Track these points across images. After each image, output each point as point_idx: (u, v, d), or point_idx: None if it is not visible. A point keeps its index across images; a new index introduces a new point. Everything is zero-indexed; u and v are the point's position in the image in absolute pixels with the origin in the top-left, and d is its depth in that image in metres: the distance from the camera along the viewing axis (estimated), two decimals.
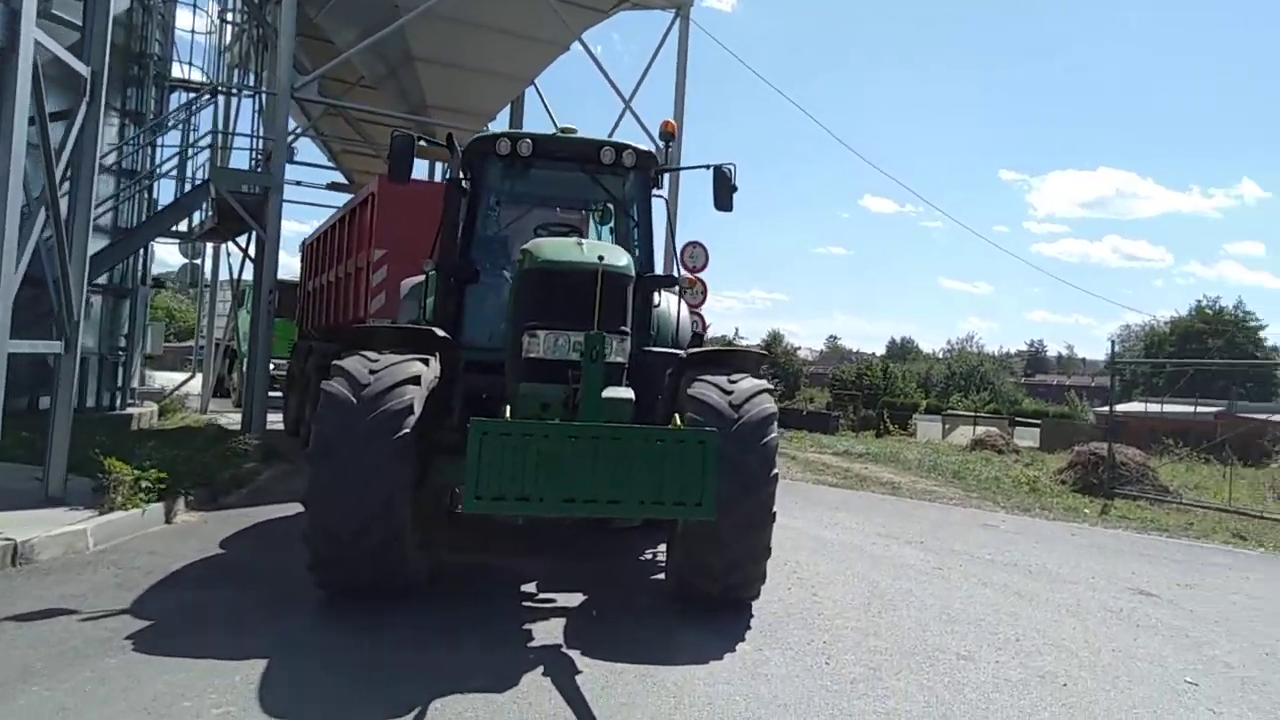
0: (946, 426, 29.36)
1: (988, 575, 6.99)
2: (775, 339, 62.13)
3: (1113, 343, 17.47)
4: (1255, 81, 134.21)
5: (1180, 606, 6.50)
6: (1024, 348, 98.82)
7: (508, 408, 4.94)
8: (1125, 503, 11.91)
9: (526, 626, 4.89)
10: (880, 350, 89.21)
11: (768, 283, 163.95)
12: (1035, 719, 4.16)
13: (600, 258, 5.13)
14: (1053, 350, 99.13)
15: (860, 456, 15.79)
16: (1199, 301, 50.81)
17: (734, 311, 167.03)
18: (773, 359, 44.31)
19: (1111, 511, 11.12)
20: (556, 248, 5.41)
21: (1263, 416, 24.96)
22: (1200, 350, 41.52)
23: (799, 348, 73.51)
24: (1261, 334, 49.28)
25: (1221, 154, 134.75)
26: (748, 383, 5.32)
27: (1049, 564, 7.60)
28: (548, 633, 4.81)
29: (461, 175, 6.47)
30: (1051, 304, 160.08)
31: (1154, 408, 30.14)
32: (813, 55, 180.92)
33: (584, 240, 5.59)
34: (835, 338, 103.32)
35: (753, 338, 61.93)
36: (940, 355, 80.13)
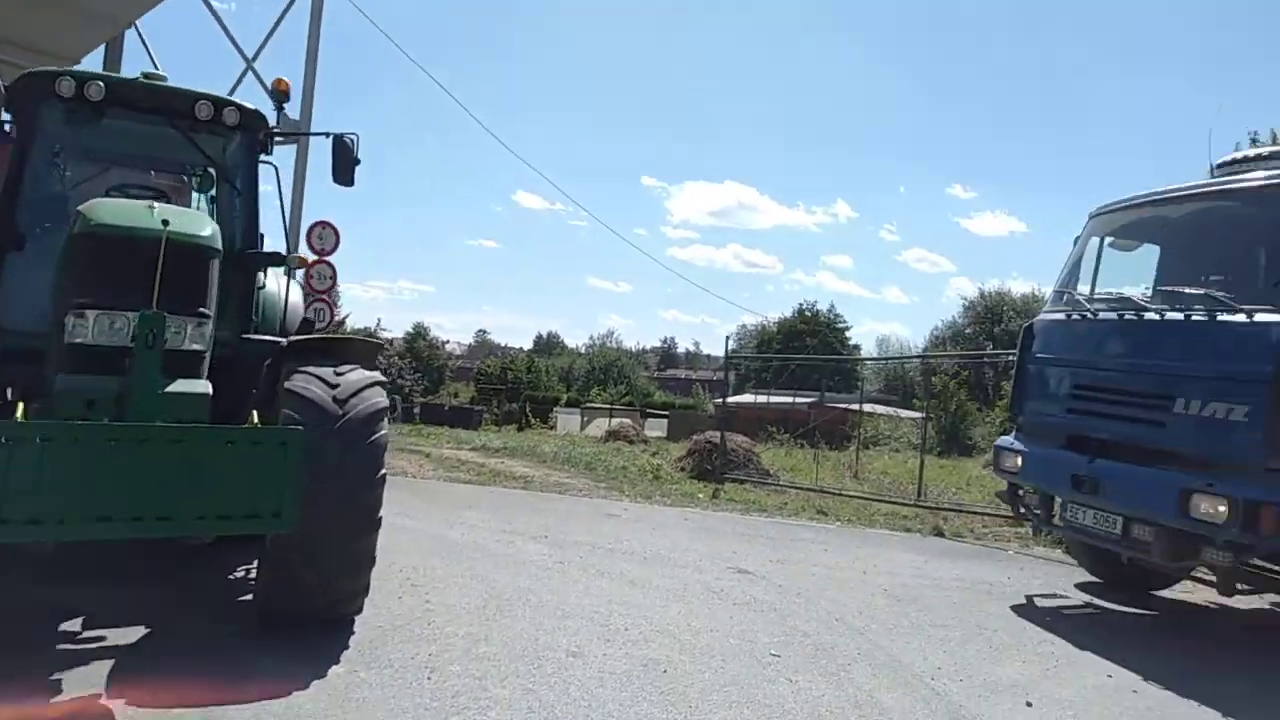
0: (585, 419, 30.58)
1: (606, 565, 7.11)
2: (420, 332, 60.82)
3: (728, 340, 19.19)
4: (844, 114, 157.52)
5: (771, 581, 7.07)
6: (658, 344, 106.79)
7: (24, 407, 3.98)
8: (734, 486, 12.99)
9: (57, 676, 3.97)
10: (528, 344, 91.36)
11: (416, 273, 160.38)
12: (636, 710, 4.16)
13: (166, 222, 4.31)
14: (682, 346, 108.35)
15: (498, 451, 15.72)
16: (800, 305, 58.39)
17: (379, 302, 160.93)
18: (402, 352, 42.94)
19: (722, 495, 12.05)
20: (118, 210, 4.47)
21: (845, 405, 28.87)
22: (800, 348, 47.54)
23: (447, 341, 72.70)
24: (848, 334, 57.75)
25: (821, 177, 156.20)
26: (357, 375, 4.77)
27: (662, 549, 7.94)
28: (85, 681, 3.93)
29: (8, 119, 5.21)
30: (683, 304, 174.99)
31: (762, 399, 34.14)
32: (475, 44, 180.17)
33: (158, 205, 4.69)
34: (484, 332, 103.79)
35: (396, 330, 60.14)
36: (583, 350, 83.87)
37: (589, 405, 37.78)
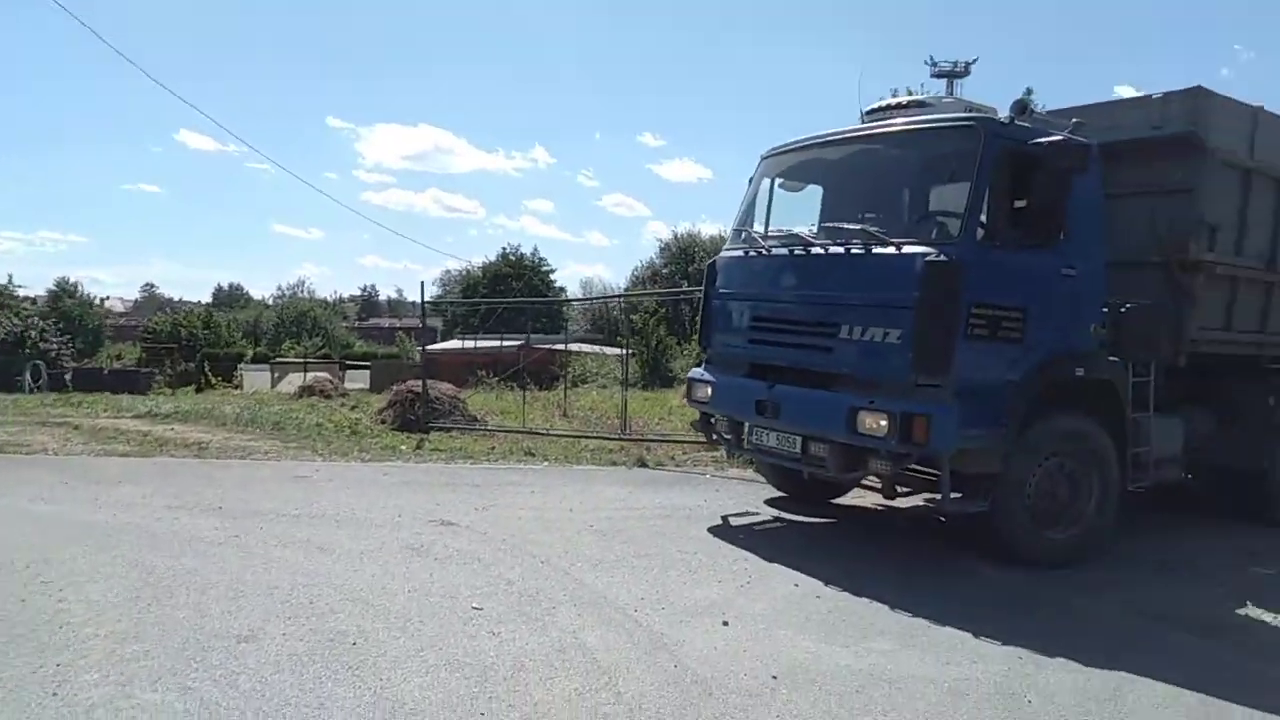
0: (275, 375, 28.29)
1: (291, 533, 6.47)
2: (66, 289, 52.89)
3: (423, 285, 17.74)
4: (540, 58, 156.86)
5: (476, 531, 6.82)
6: (357, 292, 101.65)
7: None
8: (440, 435, 12.53)
9: None
10: (206, 298, 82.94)
11: (60, 222, 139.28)
12: (318, 693, 3.74)
13: None
14: (385, 294, 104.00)
15: (168, 417, 13.96)
16: (504, 249, 57.89)
17: (15, 256, 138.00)
18: (45, 311, 36.98)
19: (426, 446, 11.57)
20: None
21: (552, 346, 29.10)
22: (506, 291, 47.29)
23: (106, 298, 64.09)
24: (552, 276, 58.30)
25: (519, 121, 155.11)
26: None
27: (358, 509, 7.40)
28: None
29: None
30: (383, 250, 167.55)
31: (470, 344, 33.56)
32: None
33: None
34: (152, 286, 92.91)
35: (36, 286, 51.85)
36: (271, 302, 77.63)
37: (280, 360, 35.01)
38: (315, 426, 13.08)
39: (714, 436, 7.62)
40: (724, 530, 7.16)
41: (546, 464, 10.46)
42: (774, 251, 6.92)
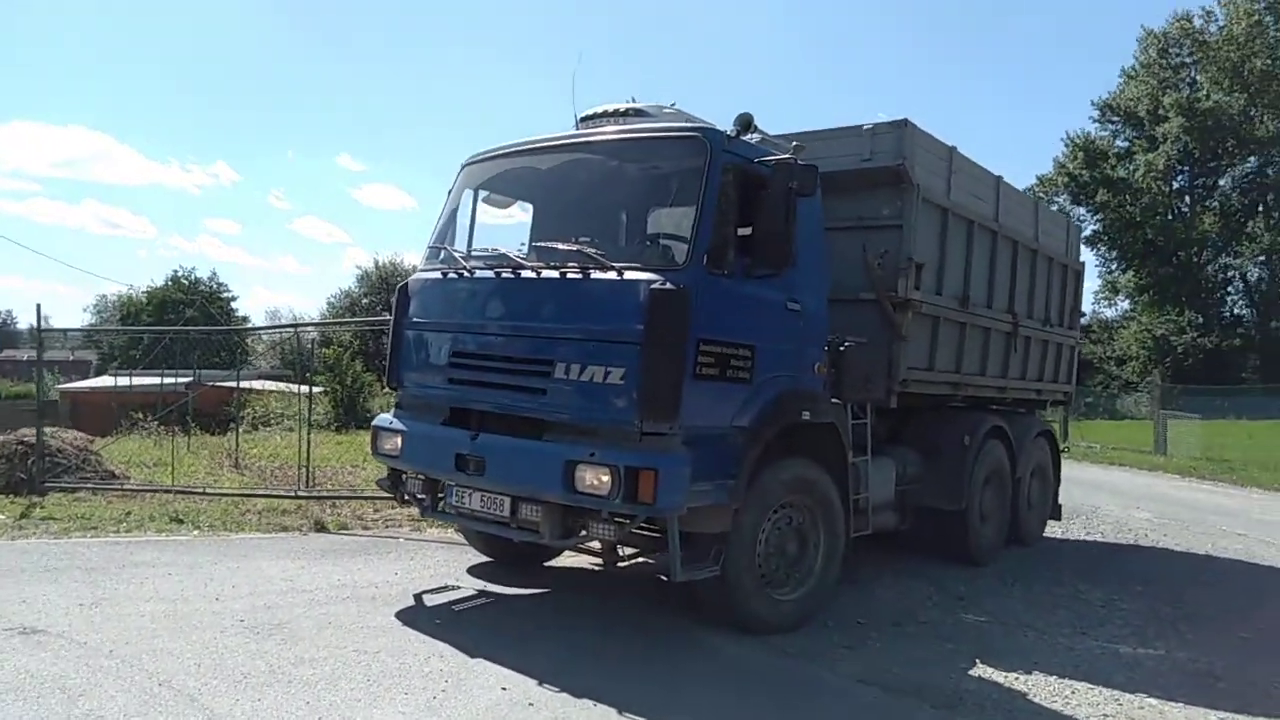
0: None
1: None
2: None
3: (39, 308, 12.73)
4: (222, 63, 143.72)
5: (72, 639, 5.04)
6: None
7: None
8: (62, 497, 10.01)
9: None
10: None
11: None
12: None
13: None
14: (26, 321, 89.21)
15: None
16: (177, 271, 51.56)
17: None
18: None
19: (36, 513, 9.09)
20: None
21: (230, 384, 25.75)
22: (177, 320, 41.85)
23: None
24: (234, 304, 52.80)
25: (198, 132, 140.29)
26: None
27: None
28: None
29: None
30: (28, 270, 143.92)
31: (127, 380, 28.65)
32: None
33: None
34: None
35: None
36: None
37: None
38: None
39: (405, 497, 6.35)
40: (417, 614, 5.89)
41: (196, 533, 8.52)
42: (478, 274, 5.86)
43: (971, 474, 7.75)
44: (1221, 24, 50.64)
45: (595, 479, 4.94)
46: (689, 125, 5.62)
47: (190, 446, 14.67)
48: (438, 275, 6.13)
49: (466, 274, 5.90)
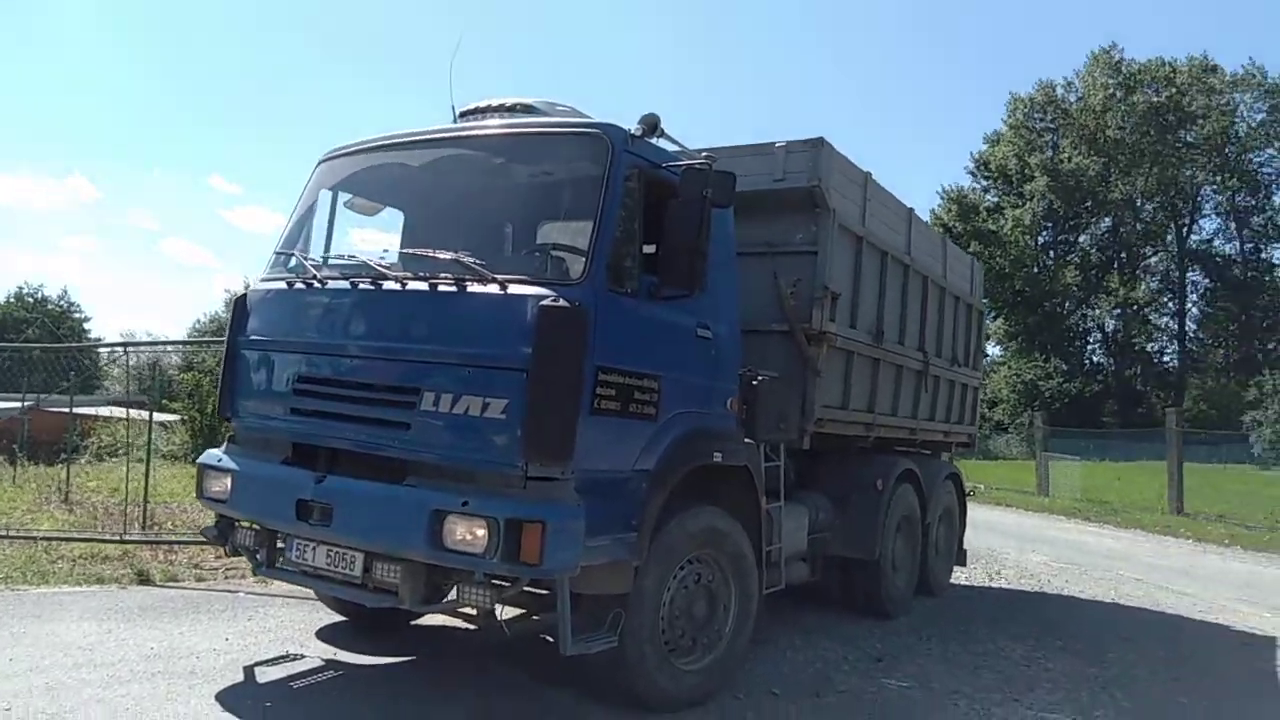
0: None
1: None
2: None
3: None
4: (73, 70, 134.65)
5: None
6: None
7: None
8: None
9: None
10: None
11: None
12: None
13: None
14: None
15: None
16: (21, 288, 47.31)
17: None
18: None
19: None
20: None
21: (72, 410, 23.40)
22: (19, 338, 38.25)
23: None
24: (87, 325, 48.86)
25: (48, 144, 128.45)
26: None
27: None
28: None
29: None
30: None
31: None
32: None
33: None
34: None
35: None
36: None
37: None
38: None
39: (238, 550, 5.27)
40: (244, 694, 4.80)
41: None
42: (330, 284, 4.91)
43: (885, 521, 7.18)
44: (1080, 94, 54.19)
45: (468, 533, 4.06)
46: (588, 121, 4.85)
47: (16, 479, 12.91)
48: (283, 285, 5.13)
49: (318, 284, 4.93)
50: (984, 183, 58.53)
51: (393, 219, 5.69)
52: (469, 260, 4.38)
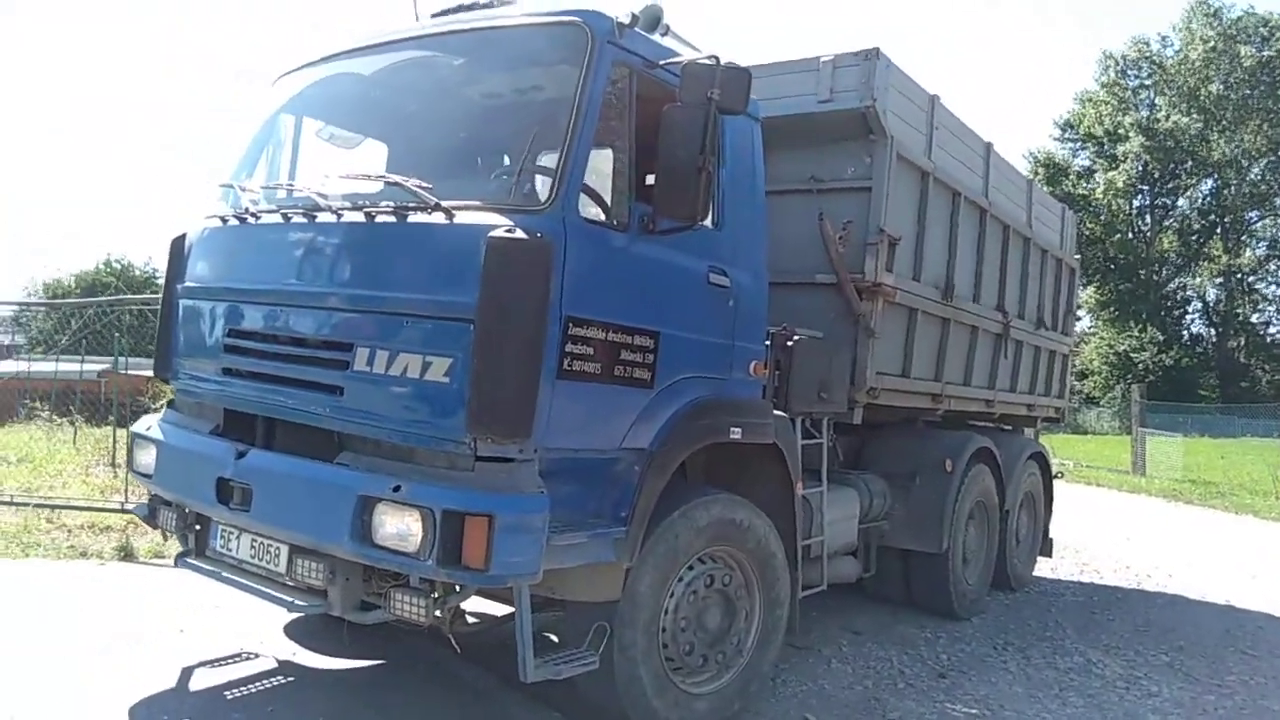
0: None
1: None
2: None
3: None
4: None
5: None
6: None
7: None
8: None
9: None
10: None
11: None
12: None
13: None
14: None
15: None
16: (109, 254, 48.55)
17: None
18: None
19: None
20: None
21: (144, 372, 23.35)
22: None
23: None
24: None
25: None
26: None
27: None
28: None
29: None
30: None
31: (41, 366, 25.83)
32: None
33: None
34: None
35: None
36: None
37: None
38: None
39: (168, 534, 4.53)
40: (162, 710, 4.06)
41: None
42: (265, 218, 4.07)
43: (955, 508, 6.08)
44: (1177, 49, 50.46)
45: (399, 525, 3.20)
46: (564, 10, 3.82)
47: (76, 441, 12.69)
48: (217, 222, 4.31)
49: (251, 220, 4.10)
50: (1072, 145, 55.20)
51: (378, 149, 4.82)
52: (411, 183, 3.47)
